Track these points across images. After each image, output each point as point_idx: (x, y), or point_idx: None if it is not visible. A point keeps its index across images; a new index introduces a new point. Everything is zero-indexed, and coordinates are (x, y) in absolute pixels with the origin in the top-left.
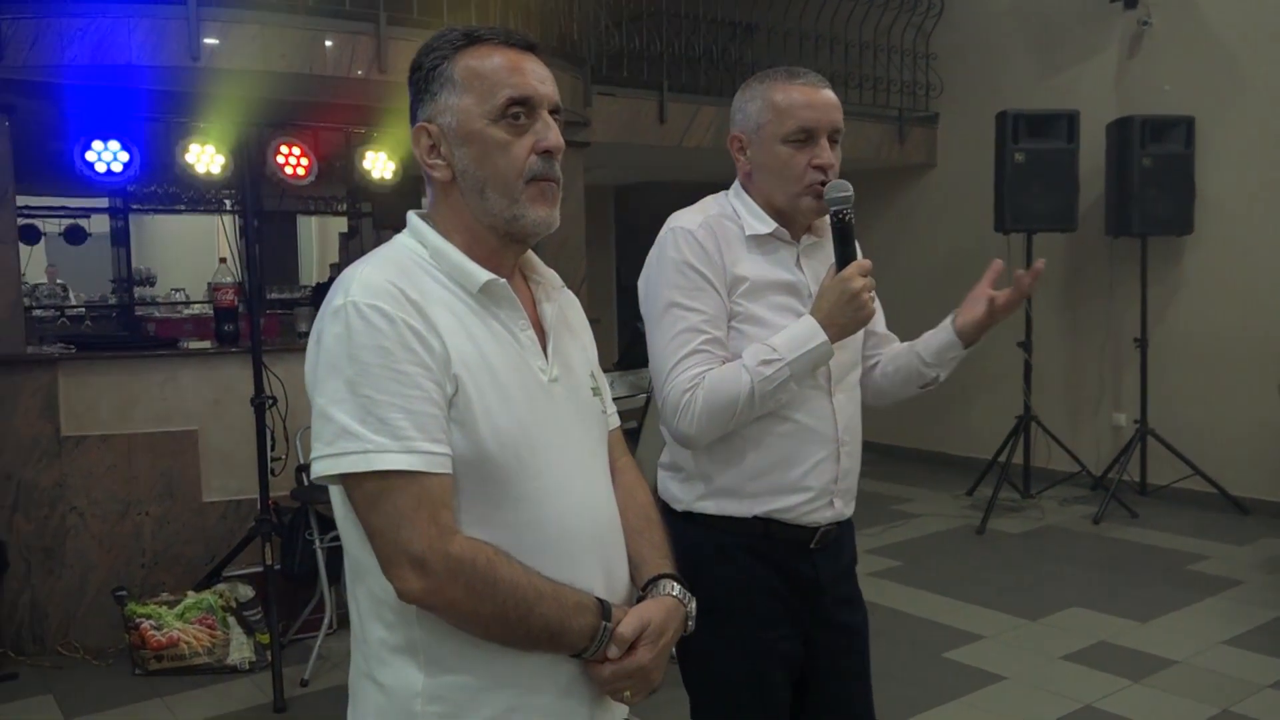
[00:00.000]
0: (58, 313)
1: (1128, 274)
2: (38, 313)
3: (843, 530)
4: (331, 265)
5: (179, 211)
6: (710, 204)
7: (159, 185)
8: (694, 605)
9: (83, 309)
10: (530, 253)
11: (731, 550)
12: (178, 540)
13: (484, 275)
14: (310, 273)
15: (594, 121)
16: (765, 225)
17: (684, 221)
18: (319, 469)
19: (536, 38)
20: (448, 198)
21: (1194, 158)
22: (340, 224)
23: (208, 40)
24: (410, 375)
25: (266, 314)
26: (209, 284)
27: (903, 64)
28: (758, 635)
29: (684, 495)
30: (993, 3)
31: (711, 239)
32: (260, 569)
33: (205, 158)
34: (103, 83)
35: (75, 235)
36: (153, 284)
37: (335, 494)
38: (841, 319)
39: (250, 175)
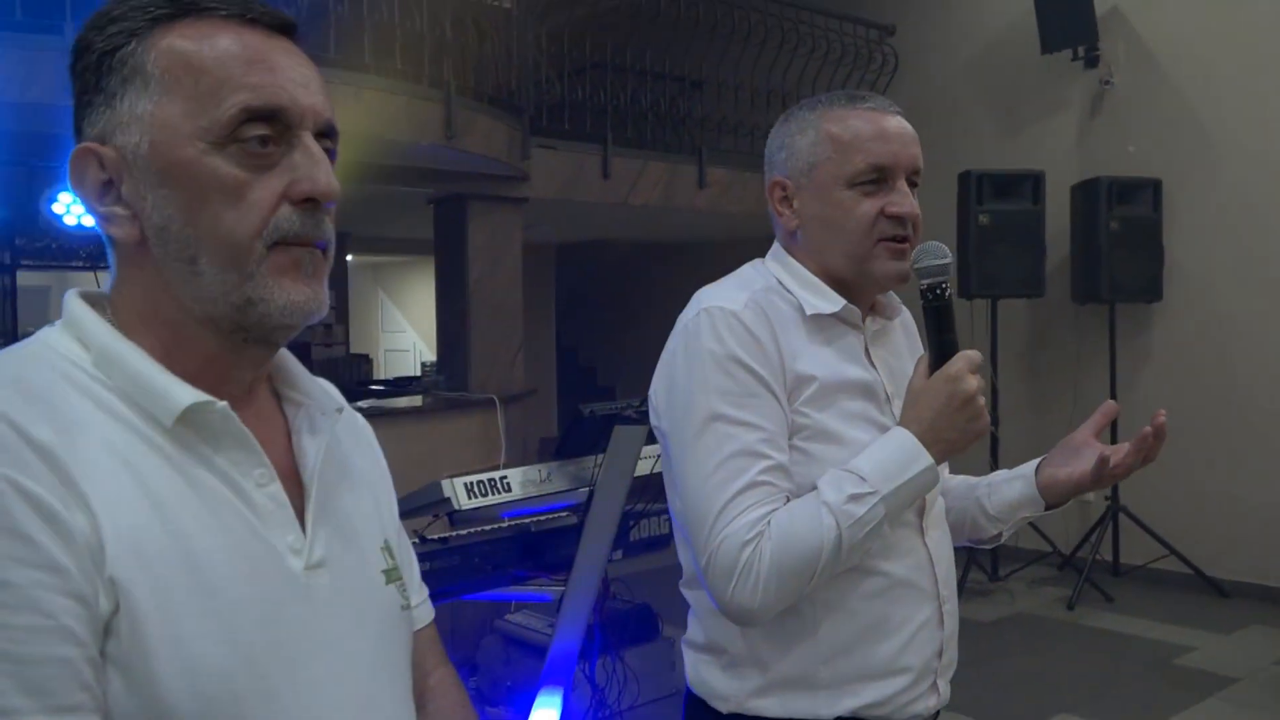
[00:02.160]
0: None
1: (1095, 342)
2: None
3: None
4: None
5: (74, 268)
6: (750, 275)
7: None
8: None
9: None
10: (287, 355)
11: None
12: None
13: (187, 396)
14: None
15: (533, 175)
16: (830, 302)
17: (722, 300)
18: None
19: (467, 84)
20: (135, 269)
21: (1162, 222)
22: None
23: None
24: (18, 589)
25: None
26: None
27: None
28: None
29: (731, 690)
30: (948, 60)
31: (764, 324)
32: None
33: (77, 209)
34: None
35: None
36: None
37: None
38: (951, 433)
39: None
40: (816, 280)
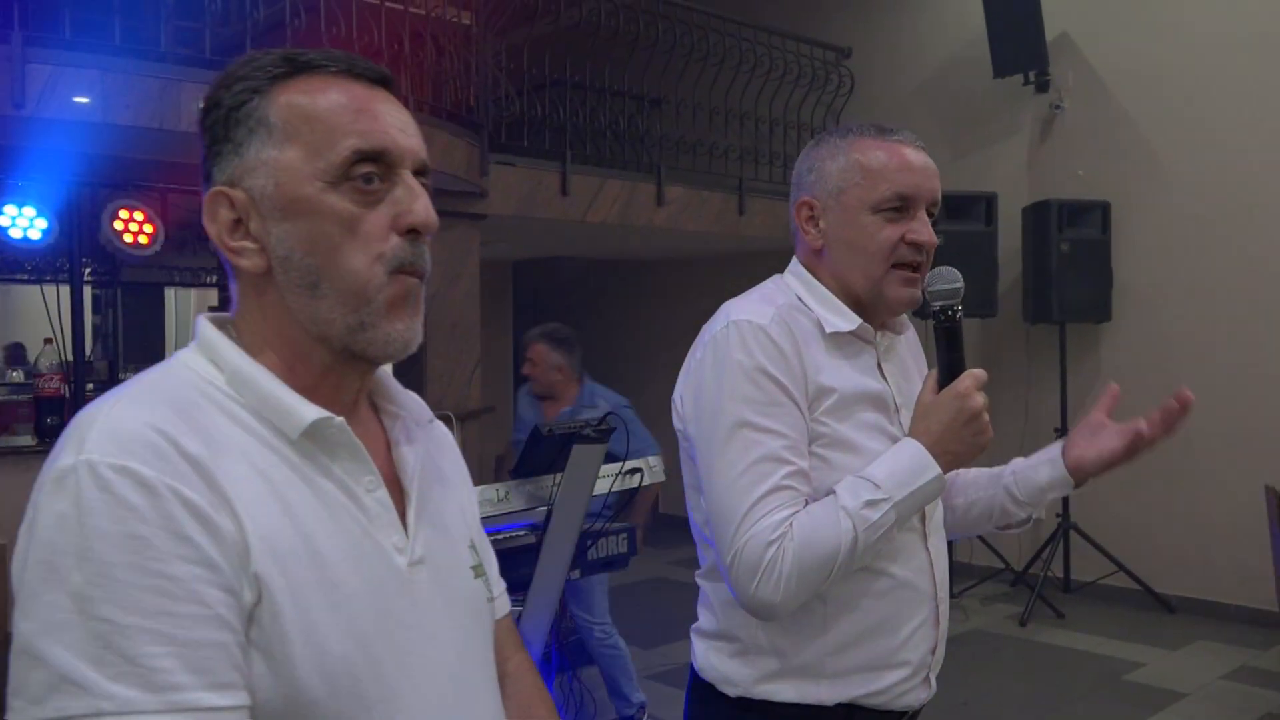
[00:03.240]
0: None
1: (1046, 362)
2: None
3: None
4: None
5: (19, 281)
6: (772, 290)
7: None
8: None
9: None
10: (384, 372)
11: None
12: None
13: (311, 412)
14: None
15: (491, 192)
16: (847, 320)
17: (750, 314)
18: None
19: (423, 98)
20: (260, 296)
21: (1111, 243)
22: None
23: (35, 84)
24: (181, 581)
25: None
26: (34, 368)
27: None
28: None
29: (741, 675)
30: (902, 83)
31: (789, 338)
32: None
33: (23, 221)
34: None
35: None
36: None
37: None
38: (957, 445)
39: (81, 242)
40: (835, 299)
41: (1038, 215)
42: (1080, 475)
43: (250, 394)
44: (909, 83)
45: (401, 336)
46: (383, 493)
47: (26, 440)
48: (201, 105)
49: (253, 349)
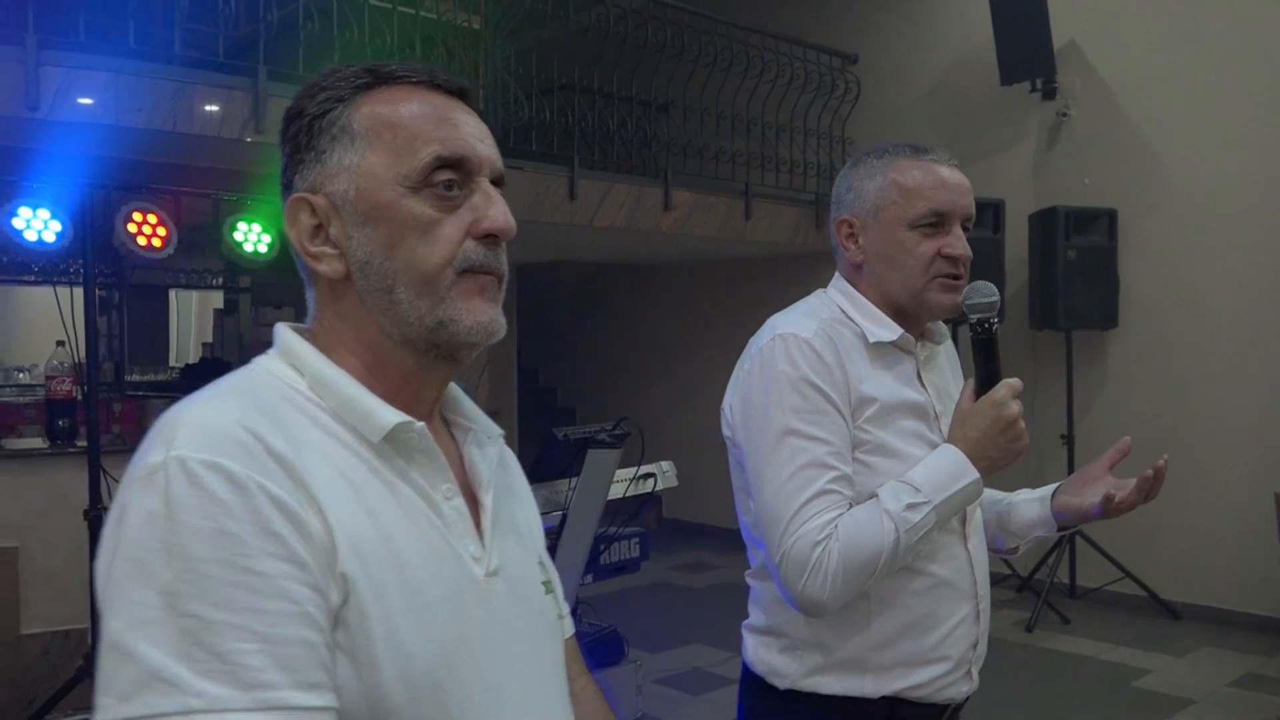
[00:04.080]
0: None
1: (1052, 368)
2: None
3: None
4: (204, 345)
5: (27, 283)
6: (816, 304)
7: None
8: None
9: None
10: (454, 387)
11: None
12: None
13: (392, 416)
14: (185, 353)
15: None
16: (889, 331)
17: (795, 328)
18: None
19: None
20: (338, 301)
21: (1117, 251)
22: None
23: (49, 87)
24: (270, 578)
25: (127, 399)
26: (46, 369)
27: (819, 147)
28: None
29: (790, 669)
30: (909, 89)
31: (831, 350)
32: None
33: (36, 223)
34: None
35: None
36: None
37: None
38: (994, 451)
39: (94, 244)
40: (877, 310)
41: (1044, 222)
42: (1065, 520)
43: (332, 397)
44: (916, 89)
45: (483, 324)
46: (460, 501)
47: (37, 442)
48: (284, 116)
49: (331, 353)
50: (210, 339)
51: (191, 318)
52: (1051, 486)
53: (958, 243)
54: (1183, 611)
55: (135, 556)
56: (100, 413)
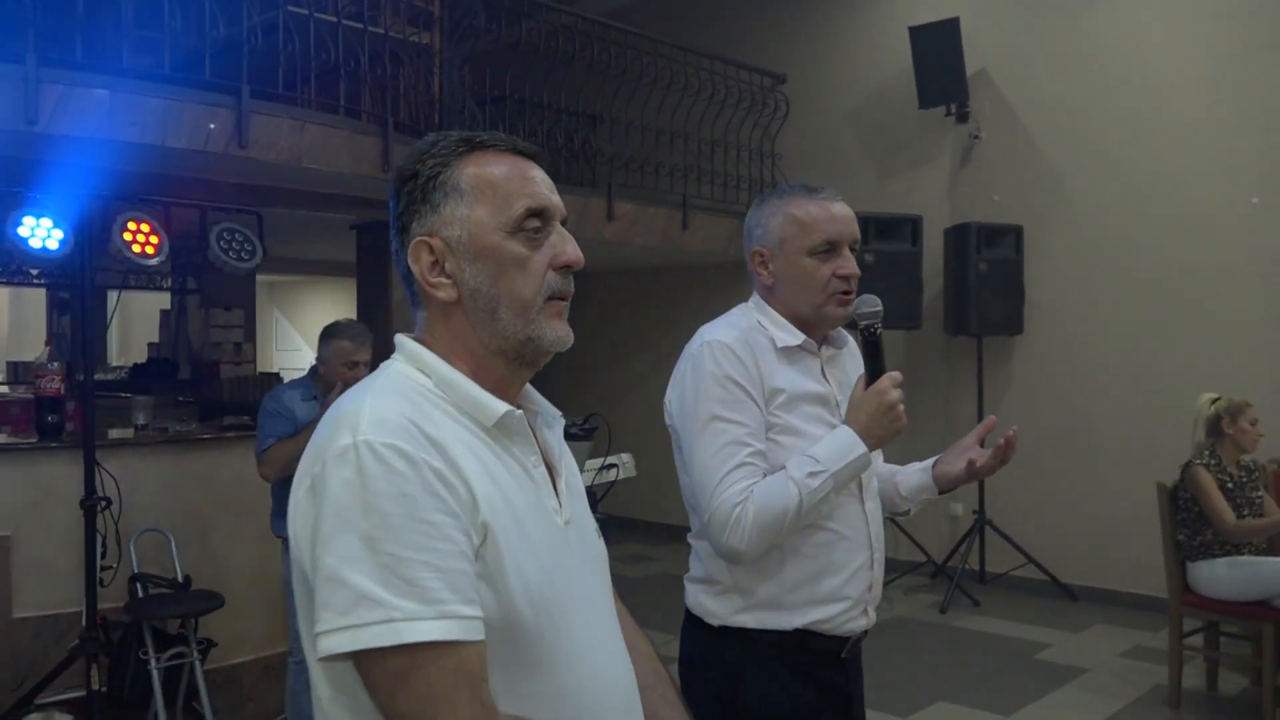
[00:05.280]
0: None
1: (965, 370)
2: None
3: (863, 639)
4: (150, 344)
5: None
6: (738, 317)
7: None
8: None
9: None
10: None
11: (769, 665)
12: None
13: (500, 406)
14: (129, 352)
15: None
16: (794, 337)
17: (719, 335)
18: (331, 644)
19: (400, 118)
20: (448, 320)
21: (1023, 264)
22: (156, 300)
23: (48, 102)
24: (438, 526)
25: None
26: (34, 368)
27: (750, 161)
28: None
29: (720, 609)
30: (833, 109)
31: (748, 352)
32: (83, 693)
33: (41, 231)
34: None
35: None
36: None
37: (320, 673)
38: (879, 430)
39: (92, 251)
40: (785, 321)
41: (958, 237)
42: (942, 485)
43: (454, 393)
44: (841, 109)
45: (561, 338)
46: (544, 469)
47: (27, 438)
48: (396, 175)
49: (447, 359)
50: (156, 339)
51: (129, 316)
52: (933, 459)
53: (847, 264)
54: (1079, 593)
55: (339, 512)
56: (65, 408)
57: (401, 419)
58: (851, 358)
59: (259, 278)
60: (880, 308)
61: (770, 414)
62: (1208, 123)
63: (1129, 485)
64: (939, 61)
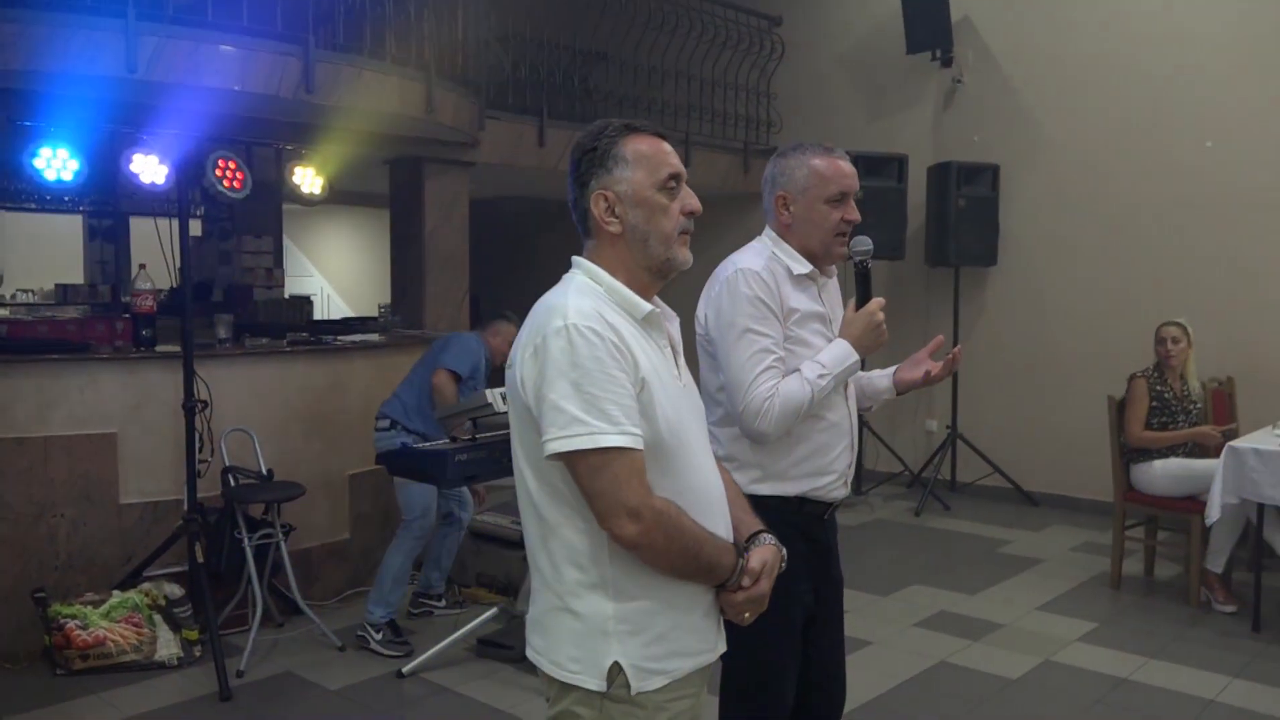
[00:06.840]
0: None
1: (942, 299)
2: None
3: (838, 507)
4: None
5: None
6: (760, 248)
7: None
8: (785, 551)
9: None
10: None
11: (776, 523)
12: (93, 542)
13: (647, 306)
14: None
15: (482, 143)
16: (805, 267)
17: (750, 264)
18: (555, 447)
19: (435, 65)
20: (613, 247)
21: (999, 200)
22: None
23: (145, 52)
24: (618, 378)
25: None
26: (133, 288)
27: (746, 100)
28: (789, 587)
29: (740, 480)
30: (826, 51)
31: (772, 278)
32: (184, 568)
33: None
34: (40, 89)
35: None
36: None
37: (529, 469)
38: (867, 342)
39: (188, 186)
40: (797, 254)
41: (939, 175)
42: (900, 388)
43: (618, 296)
44: (833, 52)
45: (687, 259)
46: (670, 350)
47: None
48: (578, 147)
49: (611, 273)
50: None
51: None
52: (893, 368)
53: (852, 211)
54: (1040, 499)
55: (557, 367)
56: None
57: (592, 310)
58: (835, 286)
59: None
60: (871, 247)
61: (788, 329)
62: (1172, 73)
63: (1089, 402)
64: (926, 9)
